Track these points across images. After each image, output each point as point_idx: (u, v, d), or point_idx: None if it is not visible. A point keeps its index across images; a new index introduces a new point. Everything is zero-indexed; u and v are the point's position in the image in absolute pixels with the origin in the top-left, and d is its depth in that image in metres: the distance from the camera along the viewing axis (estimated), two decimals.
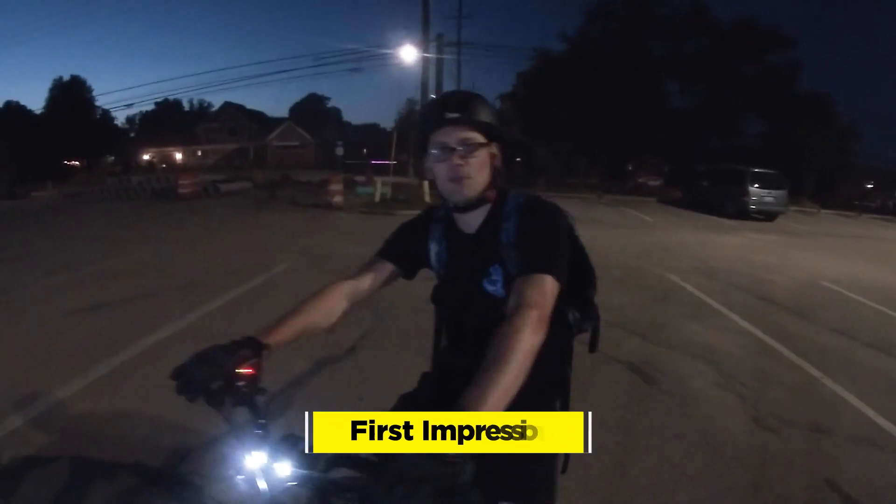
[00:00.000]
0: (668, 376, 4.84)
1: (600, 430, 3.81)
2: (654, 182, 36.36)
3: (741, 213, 20.57)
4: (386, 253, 1.76)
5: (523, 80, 41.32)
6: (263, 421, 1.29)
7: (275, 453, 1.21)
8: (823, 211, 30.40)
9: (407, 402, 1.78)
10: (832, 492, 3.24)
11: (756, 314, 6.98)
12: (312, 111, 79.55)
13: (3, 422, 3.78)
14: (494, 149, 1.58)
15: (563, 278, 1.42)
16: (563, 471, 1.70)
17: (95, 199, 20.91)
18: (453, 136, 1.52)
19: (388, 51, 27.98)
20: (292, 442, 1.22)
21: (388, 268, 1.74)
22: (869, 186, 42.43)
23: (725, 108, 36.09)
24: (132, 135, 76.79)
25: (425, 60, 24.89)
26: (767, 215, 20.77)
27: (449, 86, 25.98)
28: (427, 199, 18.95)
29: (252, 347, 1.38)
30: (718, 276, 9.30)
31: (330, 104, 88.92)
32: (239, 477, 1.24)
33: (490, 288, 1.57)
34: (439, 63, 26.32)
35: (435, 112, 1.56)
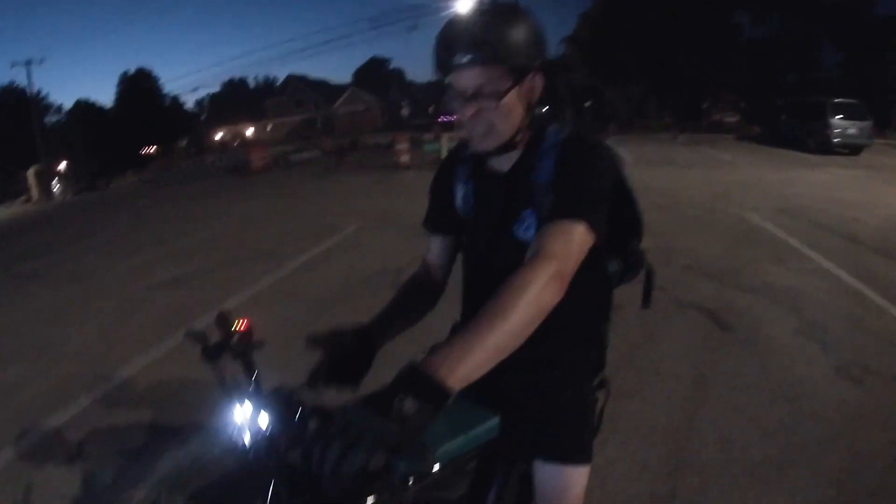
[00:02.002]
0: (746, 322, 4.63)
1: (669, 380, 3.71)
2: (732, 118, 34.42)
3: (823, 147, 19.04)
4: (431, 227, 1.63)
5: (586, 22, 39.77)
6: (255, 374, 1.35)
7: (258, 406, 1.26)
8: None
9: None
10: None
11: (842, 255, 6.49)
12: (375, 74, 79.79)
13: (83, 394, 4.14)
14: (531, 81, 1.31)
15: (600, 227, 1.22)
16: (594, 435, 1.58)
17: (172, 181, 21.89)
18: (469, 81, 1.26)
19: (444, 2, 27.46)
20: (275, 395, 1.25)
21: (439, 240, 1.62)
22: None
23: (801, 38, 33.63)
24: (202, 117, 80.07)
25: None
26: (852, 149, 19.07)
27: None
28: None
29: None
30: (801, 215, 8.73)
31: (392, 66, 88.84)
32: (229, 430, 1.31)
33: (521, 234, 1.38)
34: None
35: (441, 54, 1.28)
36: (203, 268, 7.34)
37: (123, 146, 43.89)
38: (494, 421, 1.51)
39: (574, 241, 1.18)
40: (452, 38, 1.26)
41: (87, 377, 4.44)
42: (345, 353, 1.35)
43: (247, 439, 1.27)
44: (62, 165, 37.15)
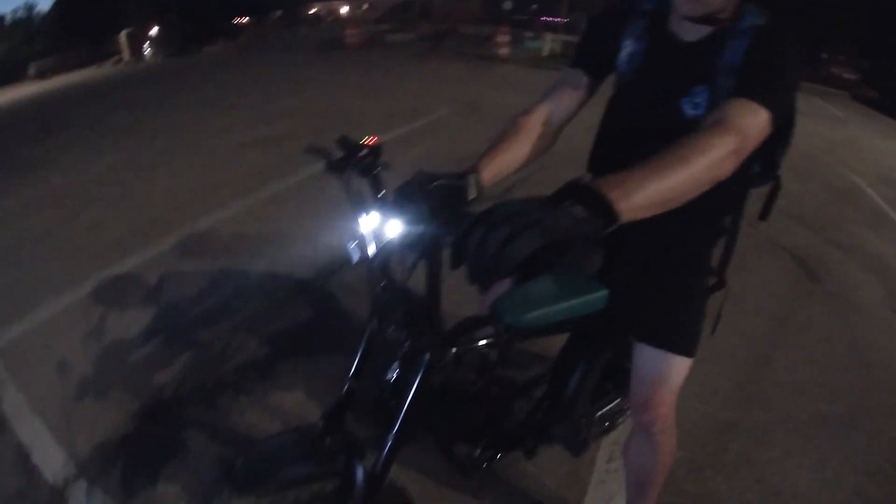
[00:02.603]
0: (834, 279, 4.44)
1: (753, 315, 3.65)
2: (850, 76, 31.86)
3: None
4: (579, 60, 1.48)
5: None
6: (382, 192, 1.30)
7: (387, 215, 1.19)
8: None
9: None
10: None
11: None
12: None
13: (168, 237, 4.38)
14: None
15: (778, 123, 1.12)
16: (713, 332, 1.60)
17: (263, 51, 21.68)
18: None
19: None
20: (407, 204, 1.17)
21: (581, 78, 1.47)
22: None
23: None
24: None
25: None
26: None
27: None
28: None
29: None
30: None
31: None
32: (352, 244, 1.26)
33: (688, 110, 1.30)
34: None
35: None
36: (291, 132, 7.40)
37: (216, 15, 43.77)
38: (602, 293, 1.48)
39: (758, 124, 1.09)
40: None
41: (168, 223, 4.65)
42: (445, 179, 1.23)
43: (371, 249, 1.25)
44: (154, 30, 37.43)
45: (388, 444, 1.27)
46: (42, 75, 18.81)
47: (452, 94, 10.69)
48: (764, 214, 1.56)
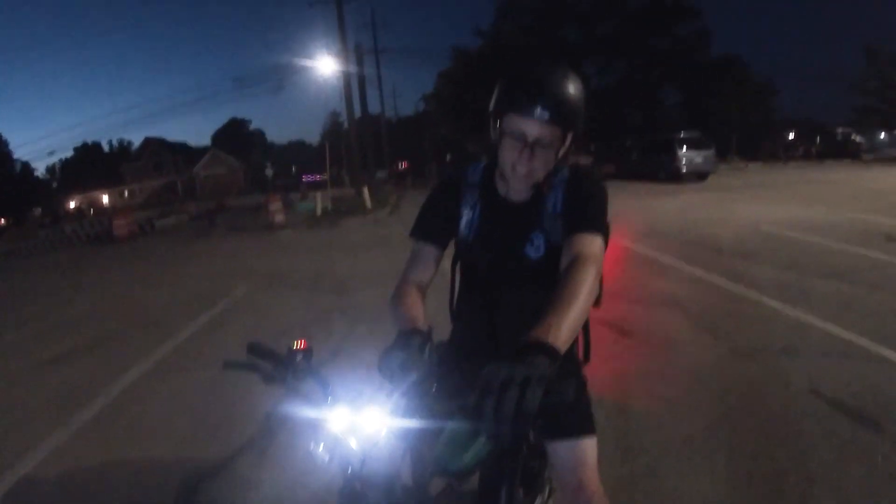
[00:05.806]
0: (643, 327, 5.05)
1: (594, 382, 3.92)
2: (585, 160, 36.77)
3: (674, 176, 21.50)
4: (425, 235, 1.69)
5: (446, 79, 41.64)
6: (330, 387, 1.29)
7: (361, 407, 1.19)
8: (751, 164, 32.08)
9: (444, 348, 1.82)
10: (816, 398, 3.47)
11: (709, 262, 7.35)
12: (235, 136, 78.45)
13: None
14: (569, 136, 1.53)
15: (607, 241, 1.51)
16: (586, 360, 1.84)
17: (30, 253, 19.62)
18: (538, 132, 1.44)
19: (308, 65, 27.17)
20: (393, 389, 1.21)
21: (433, 251, 1.68)
22: (791, 137, 43.45)
23: (643, 83, 37.74)
24: (54, 184, 74.86)
25: (346, 75, 24.95)
26: (699, 175, 21.80)
27: (372, 94, 25.67)
28: (368, 205, 20.48)
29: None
30: (666, 236, 9.66)
31: (252, 127, 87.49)
32: (318, 448, 1.20)
33: (532, 253, 1.60)
34: (360, 72, 26.49)
35: (522, 100, 1.43)
36: (86, 343, 6.47)
37: None
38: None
39: (600, 249, 1.46)
40: (539, 93, 1.42)
41: None
42: (412, 343, 1.34)
43: (352, 445, 1.20)
44: None
45: None
46: None
47: (243, 269, 10.23)
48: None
